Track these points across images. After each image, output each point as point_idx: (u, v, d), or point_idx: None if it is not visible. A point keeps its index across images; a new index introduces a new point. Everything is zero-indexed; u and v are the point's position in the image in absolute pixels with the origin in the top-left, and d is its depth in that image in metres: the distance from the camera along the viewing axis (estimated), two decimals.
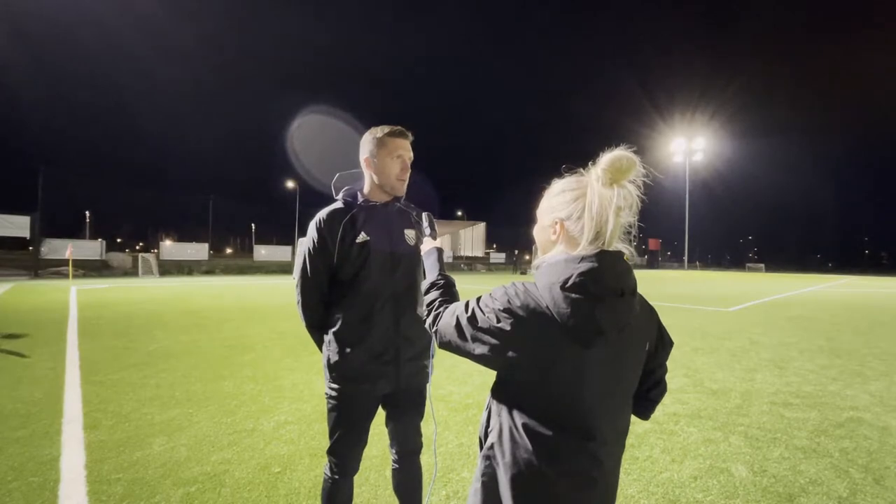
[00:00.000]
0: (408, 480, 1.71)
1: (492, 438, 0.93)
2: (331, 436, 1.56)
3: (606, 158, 0.87)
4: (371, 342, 1.52)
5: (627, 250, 0.92)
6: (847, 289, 19.00)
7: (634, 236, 0.93)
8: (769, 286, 19.88)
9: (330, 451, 1.57)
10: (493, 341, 0.88)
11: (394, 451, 1.70)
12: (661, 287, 18.12)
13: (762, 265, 53.91)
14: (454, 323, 0.96)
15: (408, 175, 1.62)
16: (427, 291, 1.15)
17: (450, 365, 4.55)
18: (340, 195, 1.63)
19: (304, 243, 1.61)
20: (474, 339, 0.91)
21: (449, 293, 1.13)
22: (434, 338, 1.03)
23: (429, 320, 1.07)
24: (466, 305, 0.96)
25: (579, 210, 0.90)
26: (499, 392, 0.95)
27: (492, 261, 41.08)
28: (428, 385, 1.63)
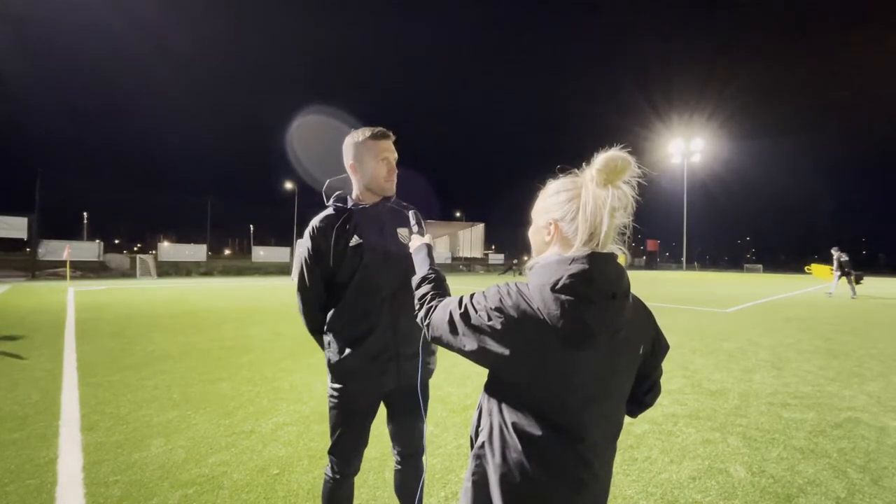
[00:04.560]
0: (410, 481, 1.71)
1: (482, 437, 0.93)
2: (332, 435, 1.57)
3: (601, 159, 0.87)
4: (370, 341, 1.53)
5: (621, 251, 0.91)
6: (845, 289, 19.03)
7: (629, 237, 0.93)
8: (767, 287, 19.93)
9: (331, 451, 1.58)
10: (484, 339, 0.88)
11: (396, 453, 1.70)
12: (660, 288, 18.15)
13: (760, 266, 54.12)
14: (447, 318, 0.96)
15: (395, 175, 1.64)
16: (418, 286, 1.16)
17: (448, 366, 4.54)
18: (331, 201, 1.65)
19: (301, 252, 1.63)
20: (465, 335, 0.91)
21: (440, 287, 1.14)
22: (426, 331, 1.03)
23: (420, 313, 1.08)
24: (460, 301, 0.96)
25: (573, 211, 0.90)
26: (490, 391, 0.95)
27: (490, 262, 40.97)
28: (427, 383, 1.64)
